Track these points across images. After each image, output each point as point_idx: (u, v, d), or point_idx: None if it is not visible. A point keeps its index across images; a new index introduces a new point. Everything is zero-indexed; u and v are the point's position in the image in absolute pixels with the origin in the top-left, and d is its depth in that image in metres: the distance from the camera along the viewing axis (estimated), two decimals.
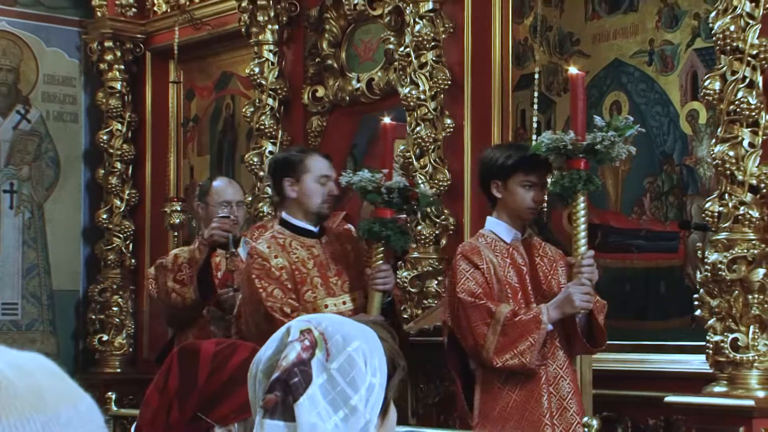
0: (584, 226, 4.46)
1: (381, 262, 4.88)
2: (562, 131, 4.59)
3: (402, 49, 6.42)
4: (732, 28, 4.94)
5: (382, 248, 4.91)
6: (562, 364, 4.56)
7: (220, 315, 5.73)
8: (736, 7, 4.94)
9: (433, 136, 6.26)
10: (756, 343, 4.85)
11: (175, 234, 7.81)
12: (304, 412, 1.88)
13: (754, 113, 4.85)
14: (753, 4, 4.94)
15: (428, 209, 5.35)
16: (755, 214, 4.85)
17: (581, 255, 4.45)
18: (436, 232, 6.20)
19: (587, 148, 4.35)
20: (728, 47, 4.95)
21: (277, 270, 4.86)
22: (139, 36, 8.63)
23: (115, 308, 8.48)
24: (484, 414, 4.52)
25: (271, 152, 7.25)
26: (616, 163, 4.62)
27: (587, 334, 4.54)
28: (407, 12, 6.36)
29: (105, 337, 8.46)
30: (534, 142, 5.02)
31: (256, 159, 7.24)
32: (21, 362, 0.89)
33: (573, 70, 4.66)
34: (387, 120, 5.26)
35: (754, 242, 4.89)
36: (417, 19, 6.28)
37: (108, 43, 8.53)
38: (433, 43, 6.29)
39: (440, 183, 6.22)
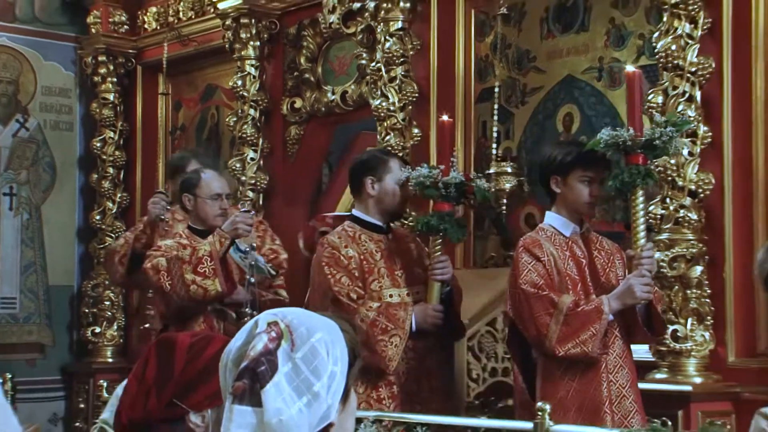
0: (643, 219, 4.29)
1: (439, 253, 4.76)
2: (619, 129, 4.32)
3: (373, 64, 6.43)
4: (673, 47, 5.00)
5: (440, 240, 4.78)
6: (621, 353, 4.39)
7: (219, 308, 5.54)
8: (676, 29, 5.00)
9: (401, 144, 6.27)
10: (693, 334, 4.91)
11: (164, 233, 7.77)
12: (271, 398, 1.88)
13: (692, 125, 4.89)
14: (692, 26, 5.00)
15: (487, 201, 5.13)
16: (694, 216, 4.91)
17: (641, 247, 4.27)
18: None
19: (646, 144, 4.16)
20: (670, 65, 5.02)
21: (346, 259, 4.75)
22: (130, 51, 8.62)
23: (107, 302, 8.47)
24: (548, 401, 4.16)
25: (252, 158, 7.28)
26: (673, 160, 4.43)
27: (646, 323, 4.40)
28: (378, 30, 6.38)
29: (97, 329, 8.45)
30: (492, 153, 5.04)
31: (238, 165, 7.24)
32: None
33: (630, 68, 4.48)
34: (445, 117, 5.16)
35: (692, 242, 4.95)
36: (387, 37, 6.30)
37: (101, 58, 8.54)
38: (401, 59, 6.31)
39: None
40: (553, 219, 4.54)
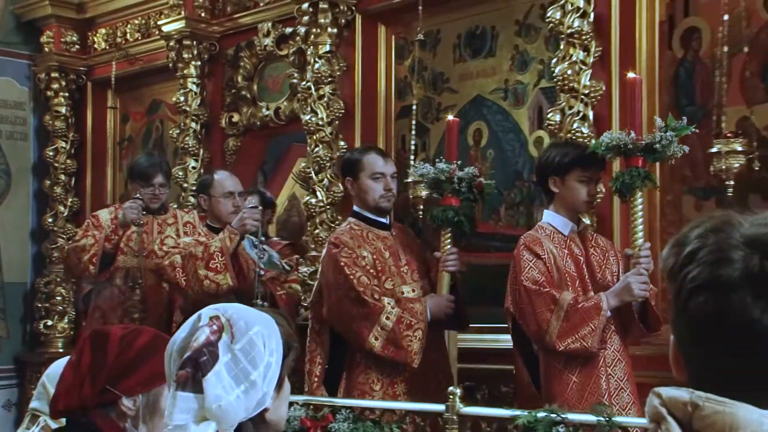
0: (641, 220, 4.12)
1: (449, 246, 4.60)
2: (620, 131, 4.20)
3: (304, 83, 6.41)
4: (569, 72, 5.06)
5: (449, 233, 4.59)
6: (618, 348, 4.23)
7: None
8: (572, 56, 5.06)
9: (329, 155, 6.27)
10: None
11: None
12: (211, 386, 1.89)
13: (585, 140, 4.92)
14: (585, 54, 5.07)
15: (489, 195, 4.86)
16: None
17: (639, 247, 4.14)
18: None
19: (646, 147, 4.00)
20: (566, 87, 5.06)
21: (362, 259, 4.53)
22: (81, 68, 8.51)
23: (58, 297, 8.38)
24: (551, 394, 4.13)
25: (194, 167, 7.25)
26: (672, 161, 4.22)
27: (642, 319, 4.24)
28: (308, 53, 6.37)
29: (49, 322, 8.35)
30: (418, 165, 4.97)
31: (181, 173, 7.19)
32: None
33: (631, 74, 4.31)
34: (450, 117, 5.04)
35: None
36: (317, 59, 6.29)
37: (54, 74, 8.43)
38: (329, 79, 6.30)
39: (334, 194, 6.21)
40: (551, 218, 4.38)
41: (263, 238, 5.25)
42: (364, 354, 4.45)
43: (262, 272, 5.16)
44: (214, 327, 1.95)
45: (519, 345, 4.42)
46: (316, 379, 4.65)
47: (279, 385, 2.01)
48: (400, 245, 4.75)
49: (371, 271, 4.52)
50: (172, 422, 1.91)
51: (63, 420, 2.45)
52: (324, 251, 4.72)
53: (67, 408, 2.36)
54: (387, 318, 4.35)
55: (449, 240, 4.61)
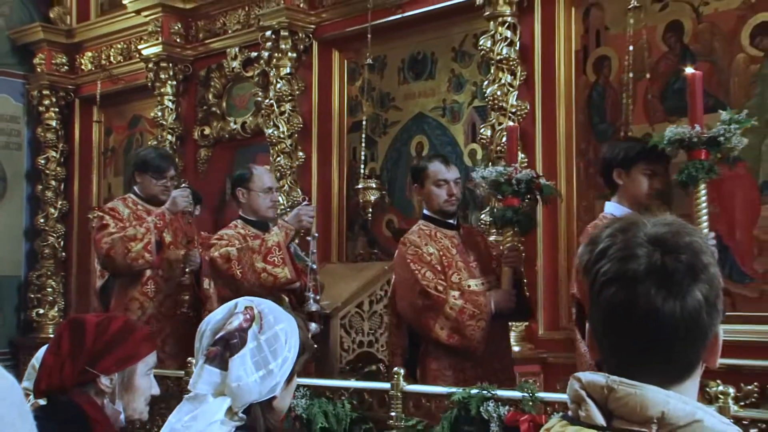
0: (705, 210, 3.78)
1: (511, 243, 4.32)
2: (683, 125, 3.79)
3: (267, 101, 6.41)
4: (498, 92, 5.10)
5: (511, 231, 4.31)
6: None
7: (277, 293, 4.77)
8: (501, 79, 5.11)
9: (289, 164, 6.28)
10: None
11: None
12: (235, 366, 1.91)
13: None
14: (512, 77, 5.12)
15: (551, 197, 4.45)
16: None
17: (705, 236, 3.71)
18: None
19: (709, 140, 3.69)
20: (496, 106, 5.11)
21: (427, 255, 4.25)
22: (70, 87, 8.42)
23: (49, 289, 8.31)
24: None
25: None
26: (735, 153, 3.82)
27: None
28: (271, 74, 6.37)
29: (41, 311, 8.28)
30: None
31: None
32: None
33: (689, 70, 3.92)
34: (510, 123, 4.82)
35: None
36: (278, 80, 6.30)
37: (45, 92, 8.35)
38: (289, 97, 6.31)
39: (294, 198, 6.23)
40: (614, 208, 3.98)
41: (317, 234, 4.95)
42: (434, 343, 4.20)
43: (315, 265, 4.85)
44: (248, 316, 1.98)
45: (582, 327, 4.10)
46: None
47: (289, 379, 2.02)
48: (468, 243, 4.46)
49: (437, 266, 4.26)
50: (195, 390, 1.93)
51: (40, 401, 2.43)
52: (396, 251, 4.45)
53: (48, 388, 2.33)
54: (451, 309, 4.12)
55: (511, 237, 4.35)
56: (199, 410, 1.90)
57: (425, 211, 4.50)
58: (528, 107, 5.14)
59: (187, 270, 5.23)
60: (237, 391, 1.91)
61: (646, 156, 3.91)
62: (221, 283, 4.86)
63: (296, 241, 4.95)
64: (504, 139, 5.01)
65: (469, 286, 4.28)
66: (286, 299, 4.95)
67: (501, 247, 4.47)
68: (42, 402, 2.46)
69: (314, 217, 5.01)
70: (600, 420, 1.29)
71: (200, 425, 1.87)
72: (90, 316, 2.47)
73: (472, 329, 4.11)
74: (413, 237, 4.35)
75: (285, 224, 4.84)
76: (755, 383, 4.04)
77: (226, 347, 1.93)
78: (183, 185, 5.48)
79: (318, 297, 4.80)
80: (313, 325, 4.62)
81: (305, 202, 5.08)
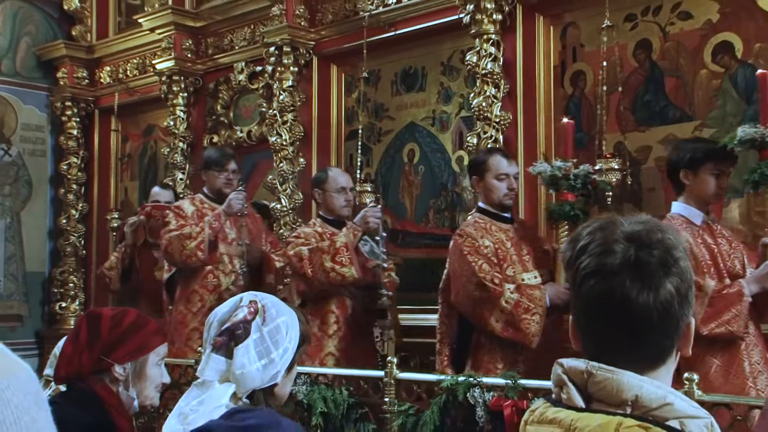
0: None
1: (567, 237, 3.88)
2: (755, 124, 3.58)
3: (271, 111, 6.38)
4: (483, 104, 5.10)
5: (566, 226, 4.07)
6: (754, 333, 3.59)
7: (353, 290, 4.76)
8: (486, 91, 5.10)
9: (291, 169, 6.27)
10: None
11: (114, 233, 7.64)
12: (239, 355, 1.92)
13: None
14: (496, 90, 5.11)
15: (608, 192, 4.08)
16: None
17: None
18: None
19: None
20: (481, 116, 5.10)
21: (483, 247, 3.98)
22: (90, 98, 8.40)
23: (70, 284, 8.28)
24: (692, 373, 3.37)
25: (180, 179, 7.17)
26: None
27: None
28: (275, 87, 6.36)
29: (63, 304, 8.25)
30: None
31: (170, 183, 7.10)
32: None
33: (760, 70, 3.71)
34: (566, 120, 4.39)
35: None
36: (281, 92, 6.28)
37: (68, 103, 8.33)
38: (291, 108, 6.29)
39: (295, 201, 6.22)
40: (681, 209, 3.74)
41: (385, 234, 4.80)
42: (488, 335, 3.96)
43: (385, 264, 4.75)
44: (252, 309, 1.98)
45: None
46: (445, 358, 4.16)
47: (290, 368, 2.01)
48: (522, 237, 4.18)
49: (492, 258, 3.98)
50: (203, 376, 1.94)
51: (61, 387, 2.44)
52: (451, 242, 4.16)
53: (67, 375, 2.35)
54: (506, 302, 3.85)
55: (566, 231, 4.08)
56: (206, 395, 1.90)
57: (481, 204, 4.23)
58: (511, 117, 5.13)
59: (241, 267, 5.16)
60: (241, 378, 1.91)
61: (713, 156, 3.69)
62: (296, 278, 4.77)
63: (377, 238, 4.75)
64: (488, 146, 5.01)
65: (522, 280, 4.02)
66: (359, 295, 4.74)
67: (554, 243, 4.26)
68: (63, 388, 2.46)
69: (381, 218, 4.79)
70: (580, 402, 1.29)
71: (207, 409, 1.88)
72: (106, 309, 2.48)
73: (527, 323, 3.86)
74: (469, 229, 4.07)
75: (353, 225, 4.71)
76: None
77: (231, 337, 1.93)
78: (239, 188, 5.29)
79: (391, 293, 4.72)
80: (386, 321, 4.61)
81: (371, 203, 4.88)
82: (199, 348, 3.98)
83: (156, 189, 6.32)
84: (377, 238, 4.73)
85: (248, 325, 1.95)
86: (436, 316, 4.42)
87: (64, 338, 2.85)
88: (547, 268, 4.14)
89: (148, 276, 5.97)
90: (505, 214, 4.20)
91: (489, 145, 5.01)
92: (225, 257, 5.25)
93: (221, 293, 5.11)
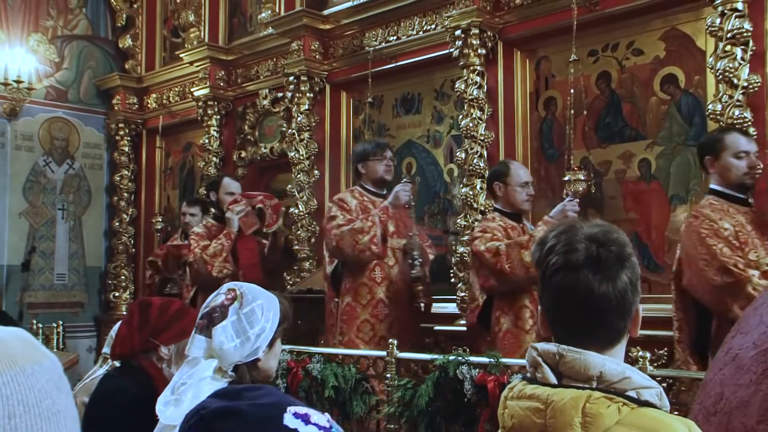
0: None
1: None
2: None
3: (290, 130, 6.36)
4: (471, 124, 5.08)
5: None
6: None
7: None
8: (472, 114, 5.08)
9: (306, 180, 6.25)
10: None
11: (158, 234, 7.69)
12: (218, 335, 1.90)
13: (482, 171, 4.98)
14: (481, 113, 5.10)
15: None
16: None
17: None
18: (311, 236, 6.21)
19: None
20: (469, 135, 5.09)
21: (723, 230, 3.21)
22: (139, 121, 8.39)
23: (122, 277, 8.27)
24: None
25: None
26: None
27: None
28: (293, 110, 6.33)
29: (116, 294, 8.24)
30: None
31: (204, 191, 7.05)
32: (1, 335, 0.78)
33: None
34: None
35: None
36: (299, 114, 6.27)
37: (121, 125, 8.33)
38: (307, 128, 6.27)
39: (311, 206, 6.21)
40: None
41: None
42: (730, 322, 3.15)
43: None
44: (230, 296, 1.94)
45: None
46: (685, 346, 3.41)
47: (271, 344, 1.97)
48: (760, 221, 3.37)
49: (734, 242, 3.20)
50: (190, 354, 1.92)
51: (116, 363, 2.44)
52: (683, 225, 3.43)
53: (122, 353, 2.37)
54: (753, 289, 3.04)
55: None
56: (194, 370, 1.89)
57: (714, 186, 3.44)
58: (493, 136, 5.12)
59: (414, 262, 4.42)
60: (221, 354, 1.88)
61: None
62: (486, 273, 3.98)
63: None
64: (474, 160, 5.02)
65: (767, 264, 3.21)
66: None
67: None
68: (117, 364, 2.47)
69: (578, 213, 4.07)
70: (553, 380, 1.29)
71: (194, 380, 1.86)
72: (155, 298, 2.49)
73: None
74: (706, 211, 3.29)
75: (550, 219, 3.95)
76: (665, 349, 4.03)
77: (210, 320, 1.91)
78: (404, 180, 4.62)
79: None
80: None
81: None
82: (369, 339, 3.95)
83: (227, 179, 5.74)
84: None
85: (225, 309, 1.91)
86: (435, 304, 4.38)
87: (119, 322, 2.86)
88: None
89: (246, 262, 5.22)
90: (741, 195, 3.39)
91: (475, 160, 4.98)
92: (388, 250, 4.54)
93: (389, 284, 4.47)
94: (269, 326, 1.95)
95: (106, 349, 3.01)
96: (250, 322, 1.91)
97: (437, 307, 5.09)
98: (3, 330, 0.80)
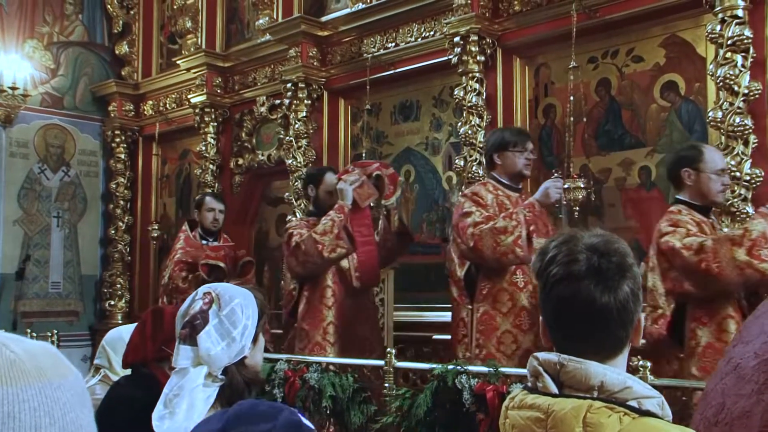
0: None
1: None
2: None
3: (288, 138, 6.37)
4: (469, 132, 5.09)
5: None
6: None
7: None
8: (471, 121, 5.09)
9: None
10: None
11: (154, 242, 7.68)
12: (203, 341, 1.88)
13: (480, 179, 4.97)
14: (479, 120, 5.10)
15: None
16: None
17: None
18: None
19: None
20: (467, 142, 5.10)
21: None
22: (135, 128, 8.39)
23: (118, 285, 8.25)
24: None
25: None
26: None
27: None
28: (291, 117, 6.34)
29: (112, 302, 8.23)
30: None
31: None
32: (30, 348, 0.80)
33: None
34: None
35: None
36: (296, 121, 6.27)
37: (117, 132, 8.33)
38: (305, 135, 6.28)
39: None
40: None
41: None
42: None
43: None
44: (207, 300, 1.93)
45: None
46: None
47: (255, 340, 1.97)
48: None
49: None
50: (178, 366, 1.90)
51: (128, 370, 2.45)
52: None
53: (134, 360, 2.37)
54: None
55: None
56: (184, 380, 1.88)
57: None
58: None
59: None
60: (209, 360, 1.88)
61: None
62: (679, 275, 3.33)
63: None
64: (473, 168, 5.01)
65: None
66: None
67: None
68: (113, 376, 2.46)
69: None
70: (554, 389, 1.29)
71: (186, 391, 1.85)
72: (168, 307, 2.50)
73: None
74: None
75: (764, 211, 3.34)
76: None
77: (192, 328, 1.90)
78: (555, 175, 4.02)
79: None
80: None
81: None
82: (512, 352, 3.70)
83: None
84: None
85: (205, 314, 1.90)
86: (429, 313, 4.39)
87: (110, 332, 2.86)
88: None
89: (363, 239, 4.62)
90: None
91: (473, 167, 5.00)
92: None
93: (534, 290, 3.87)
94: (251, 323, 1.94)
95: (98, 360, 3.00)
96: (232, 322, 1.91)
97: (433, 316, 5.09)
98: (33, 343, 0.82)
